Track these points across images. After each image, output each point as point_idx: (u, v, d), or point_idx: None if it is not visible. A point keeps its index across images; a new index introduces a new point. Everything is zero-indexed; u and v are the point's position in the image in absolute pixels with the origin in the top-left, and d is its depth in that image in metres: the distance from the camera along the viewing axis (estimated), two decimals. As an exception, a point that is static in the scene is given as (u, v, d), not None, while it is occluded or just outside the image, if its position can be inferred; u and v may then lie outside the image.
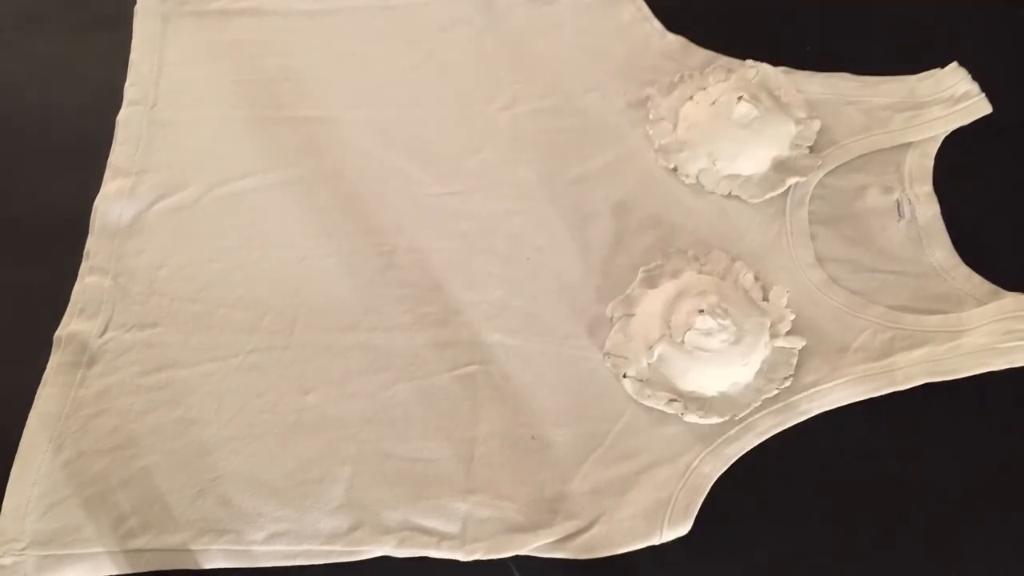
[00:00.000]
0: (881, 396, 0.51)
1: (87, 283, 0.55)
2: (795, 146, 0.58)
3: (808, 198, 0.58)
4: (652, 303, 0.53)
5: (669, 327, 0.51)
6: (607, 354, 0.52)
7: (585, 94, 0.63)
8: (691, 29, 0.64)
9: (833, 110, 0.61)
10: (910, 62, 0.62)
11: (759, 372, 0.51)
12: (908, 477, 0.50)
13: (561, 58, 0.64)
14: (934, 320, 0.53)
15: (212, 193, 0.59)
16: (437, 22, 0.66)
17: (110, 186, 0.59)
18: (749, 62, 0.62)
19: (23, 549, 0.47)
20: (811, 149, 0.59)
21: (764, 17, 0.66)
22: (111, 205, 0.58)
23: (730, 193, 0.58)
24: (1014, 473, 0.50)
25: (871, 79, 0.62)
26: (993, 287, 0.54)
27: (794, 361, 0.51)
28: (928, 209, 0.57)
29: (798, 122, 0.59)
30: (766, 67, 0.61)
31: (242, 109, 0.62)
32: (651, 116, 0.61)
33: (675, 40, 0.64)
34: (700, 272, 0.54)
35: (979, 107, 0.60)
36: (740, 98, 0.58)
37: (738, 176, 0.58)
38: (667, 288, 0.53)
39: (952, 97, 0.60)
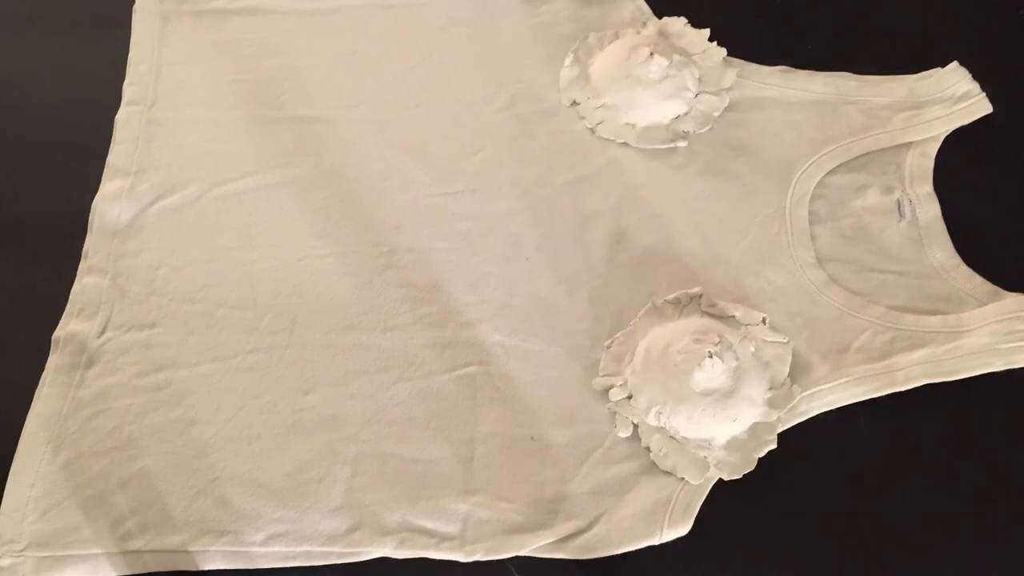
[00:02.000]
0: (881, 396, 0.51)
1: (86, 283, 0.55)
2: (702, 95, 0.60)
3: (808, 198, 0.58)
4: (654, 341, 0.52)
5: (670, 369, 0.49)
6: (614, 412, 0.51)
7: (585, 94, 0.63)
8: (691, 29, 0.64)
9: (833, 109, 0.61)
10: (910, 62, 0.62)
11: (750, 428, 0.49)
12: (908, 477, 0.50)
13: (561, 58, 0.64)
14: (934, 321, 0.53)
15: (211, 193, 0.59)
16: (436, 22, 0.66)
17: (109, 186, 0.59)
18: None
19: (22, 550, 0.47)
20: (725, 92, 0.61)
21: (764, 17, 0.66)
22: (110, 205, 0.58)
23: (626, 143, 0.60)
24: (1014, 473, 0.50)
25: (871, 78, 0.62)
26: (994, 287, 0.54)
27: (776, 430, 0.49)
28: (928, 209, 0.57)
29: (704, 70, 0.61)
30: (669, 20, 0.64)
31: (241, 109, 0.62)
32: (567, 63, 0.63)
33: (675, 40, 0.64)
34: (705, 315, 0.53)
35: (979, 107, 0.60)
36: (652, 53, 0.59)
37: (635, 126, 0.60)
38: (670, 328, 0.52)
39: (952, 96, 0.60)
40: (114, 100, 0.63)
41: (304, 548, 0.47)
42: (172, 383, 0.52)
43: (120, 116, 0.62)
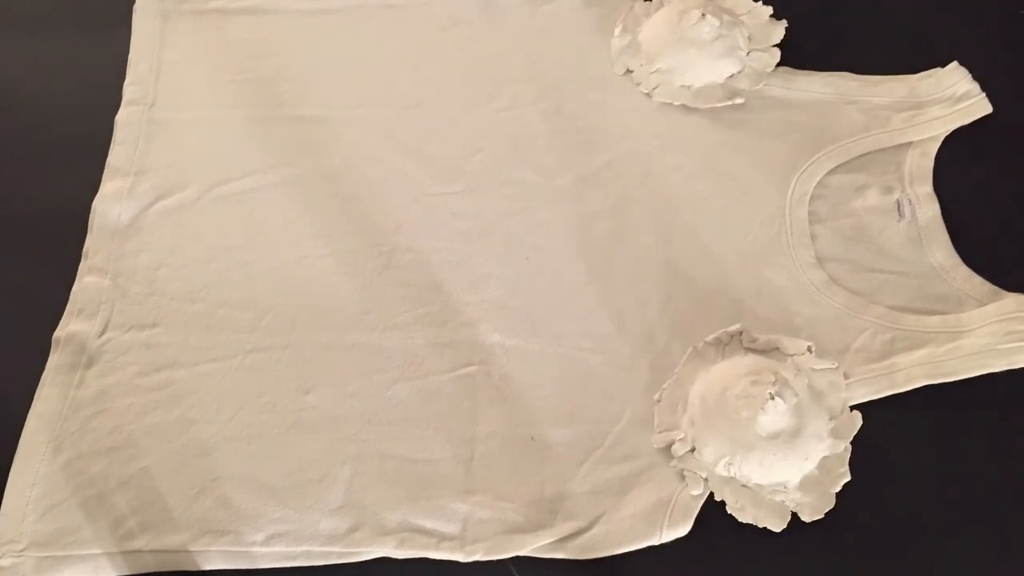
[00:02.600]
0: (881, 397, 0.51)
1: (86, 283, 0.55)
2: (753, 53, 0.61)
3: (808, 198, 0.58)
4: (709, 383, 0.50)
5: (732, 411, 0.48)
6: (681, 471, 0.49)
7: (585, 94, 0.63)
8: (691, 29, 0.64)
9: (833, 110, 0.61)
10: (910, 62, 0.62)
11: (820, 465, 0.48)
12: (908, 477, 0.50)
13: (561, 58, 0.64)
14: (934, 321, 0.53)
15: (211, 193, 0.59)
16: (437, 22, 0.66)
17: (109, 186, 0.59)
18: None
19: (22, 550, 0.47)
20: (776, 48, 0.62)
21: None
22: (110, 205, 0.58)
23: (681, 104, 0.61)
24: (1014, 473, 0.50)
25: (871, 79, 0.62)
26: (993, 288, 0.54)
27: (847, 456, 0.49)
28: (928, 209, 0.57)
29: (752, 29, 0.62)
30: None
31: (241, 108, 0.62)
32: (617, 32, 0.64)
33: (675, 40, 0.64)
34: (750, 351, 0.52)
35: (979, 107, 0.60)
36: (703, 14, 0.60)
37: (690, 87, 0.61)
38: (723, 369, 0.51)
39: (952, 97, 0.60)
40: (114, 100, 0.63)
41: (304, 548, 0.47)
42: (172, 383, 0.52)
43: (120, 116, 0.62)
